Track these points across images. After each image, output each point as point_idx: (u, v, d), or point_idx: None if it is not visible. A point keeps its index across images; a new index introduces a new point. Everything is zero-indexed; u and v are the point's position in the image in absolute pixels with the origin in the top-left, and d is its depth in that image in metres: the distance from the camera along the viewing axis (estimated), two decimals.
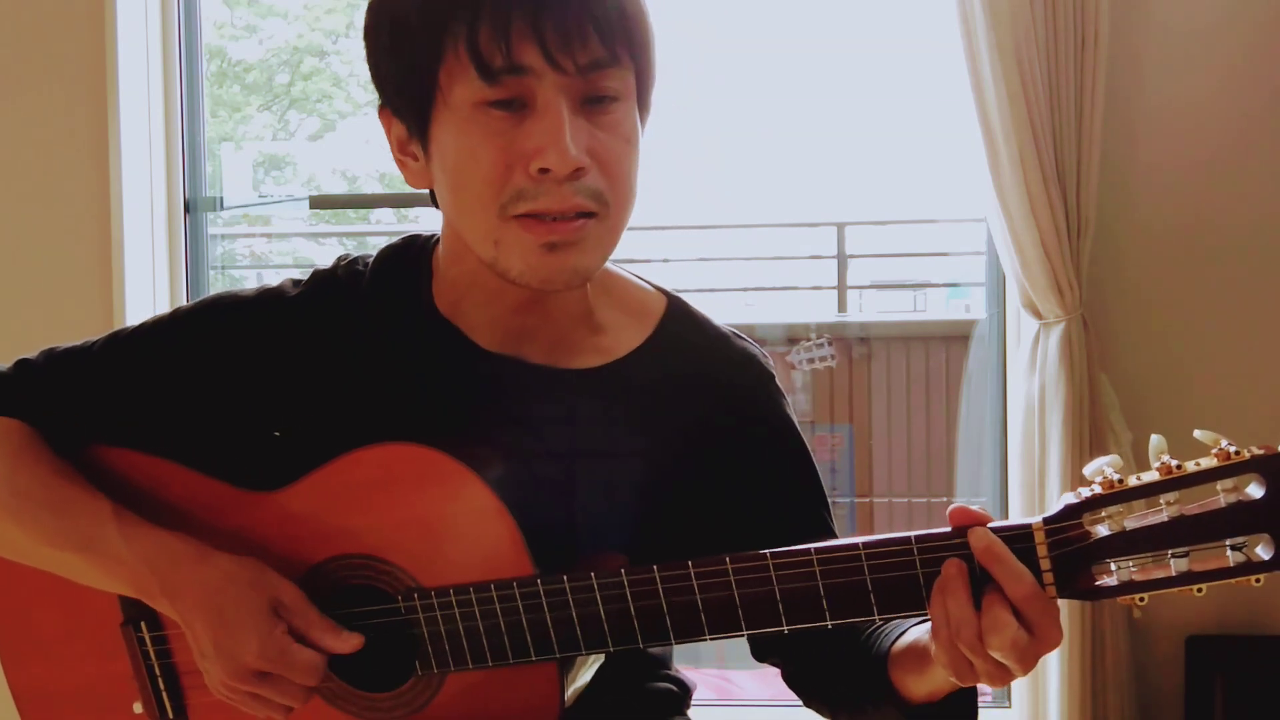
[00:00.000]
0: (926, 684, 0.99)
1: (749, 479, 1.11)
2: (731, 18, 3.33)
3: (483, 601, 0.99)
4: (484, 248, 1.01)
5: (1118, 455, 0.90)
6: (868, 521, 3.27)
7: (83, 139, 2.58)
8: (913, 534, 0.91)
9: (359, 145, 3.95)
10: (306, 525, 1.05)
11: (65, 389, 1.13)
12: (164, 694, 1.12)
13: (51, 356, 1.15)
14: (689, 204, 3.41)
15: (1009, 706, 2.52)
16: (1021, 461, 2.42)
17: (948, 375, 3.23)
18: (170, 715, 1.12)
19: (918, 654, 0.98)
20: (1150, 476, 0.87)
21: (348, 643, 1.02)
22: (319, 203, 3.35)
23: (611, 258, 1.07)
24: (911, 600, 0.92)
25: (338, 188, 3.81)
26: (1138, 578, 0.87)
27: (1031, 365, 2.39)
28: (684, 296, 1.17)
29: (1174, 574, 0.87)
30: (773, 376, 1.16)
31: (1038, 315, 2.38)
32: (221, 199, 2.90)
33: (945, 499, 3.21)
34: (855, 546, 0.92)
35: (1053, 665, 2.35)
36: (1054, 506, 0.90)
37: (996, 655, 0.88)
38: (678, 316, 1.15)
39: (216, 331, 1.12)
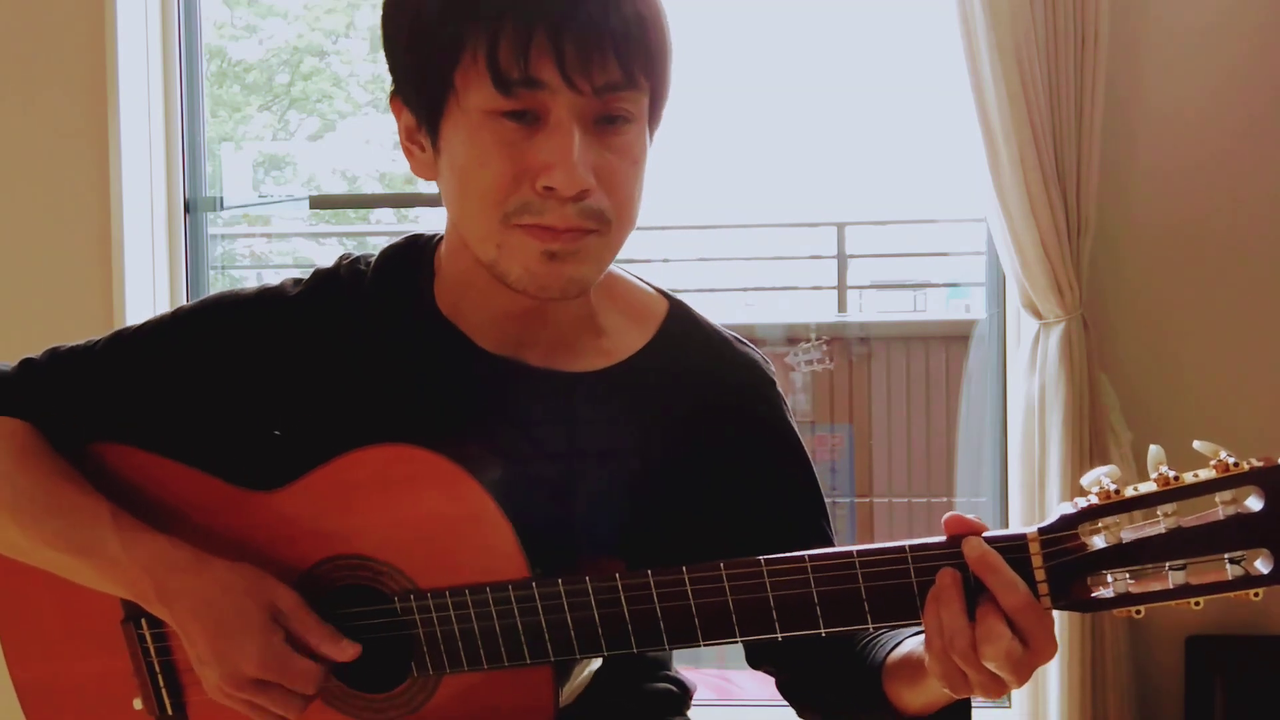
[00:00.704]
0: (921, 696, 0.98)
1: (747, 484, 1.11)
2: (731, 18, 3.33)
3: (478, 604, 0.99)
4: (485, 249, 1.00)
5: (1116, 465, 0.90)
6: (868, 522, 3.27)
7: (83, 139, 2.58)
8: (907, 543, 0.91)
9: (359, 145, 3.95)
10: (304, 525, 1.06)
11: (68, 389, 1.14)
12: (163, 691, 1.12)
13: (55, 356, 1.16)
14: (689, 204, 3.41)
15: (1009, 706, 2.52)
16: (1021, 461, 2.42)
17: (948, 375, 3.22)
18: (170, 712, 1.13)
19: (912, 665, 0.98)
20: (1148, 487, 0.86)
21: (345, 651, 1.02)
22: (319, 203, 3.35)
23: (618, 261, 1.07)
24: (905, 609, 0.92)
25: (338, 188, 3.81)
26: (1134, 590, 0.87)
27: (1031, 365, 2.39)
28: (685, 299, 1.17)
29: (1171, 586, 0.86)
30: (774, 382, 1.16)
31: (1038, 315, 2.38)
32: (221, 199, 2.90)
33: (945, 499, 3.21)
34: (849, 554, 0.92)
35: (1053, 665, 2.35)
36: (1050, 516, 0.89)
37: (990, 666, 0.88)
38: (679, 320, 1.14)
39: (218, 331, 1.13)
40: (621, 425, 1.09)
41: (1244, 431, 2.41)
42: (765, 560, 0.94)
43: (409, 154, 1.05)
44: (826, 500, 1.16)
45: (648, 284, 1.18)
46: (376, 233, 3.89)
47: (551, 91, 0.94)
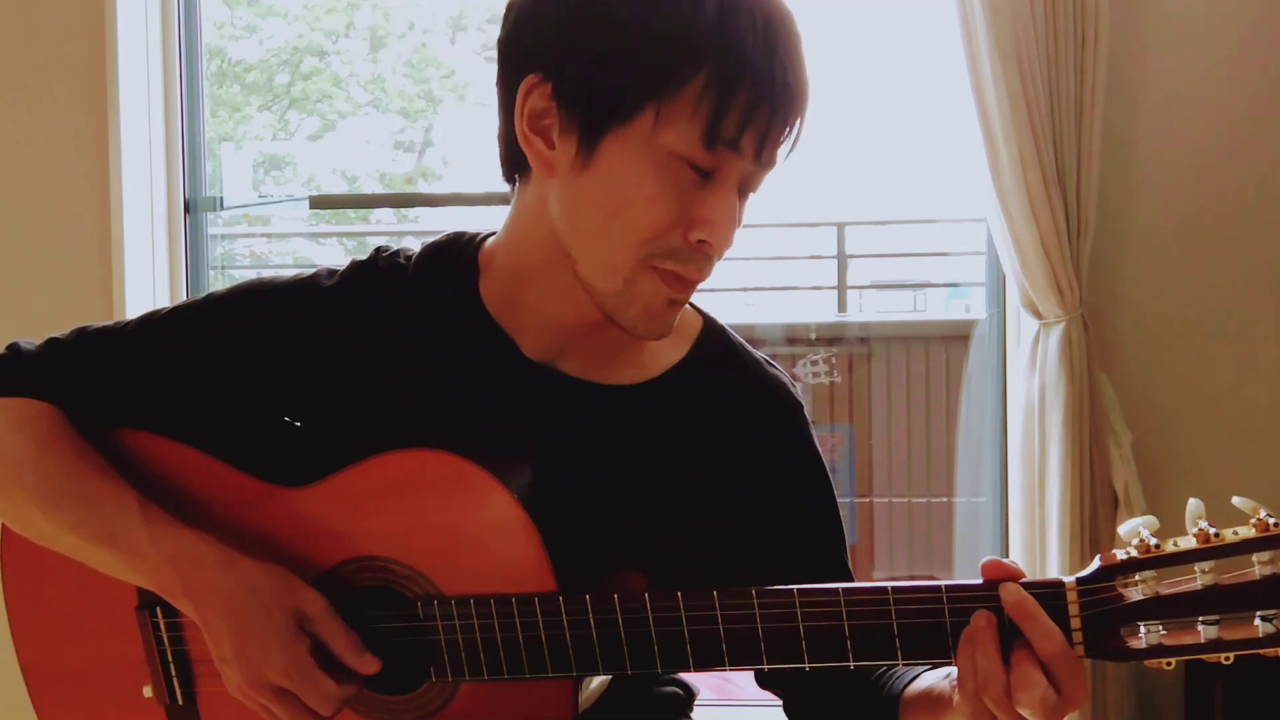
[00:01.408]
0: None
1: (770, 507, 1.11)
2: None
3: (503, 614, 0.99)
4: (607, 280, 1.00)
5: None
6: (868, 521, 3.27)
7: (83, 139, 2.58)
8: (943, 583, 0.91)
9: (359, 145, 3.95)
10: (328, 524, 1.05)
11: (95, 370, 1.12)
12: (175, 680, 1.12)
13: (83, 336, 1.14)
14: None
15: None
16: (1021, 461, 2.41)
17: (948, 375, 3.22)
18: (180, 701, 1.12)
19: (932, 701, 0.98)
20: (1187, 543, 0.86)
21: (367, 665, 1.01)
22: (319, 203, 3.35)
23: None
24: (936, 649, 0.92)
25: (337, 188, 3.81)
26: (1167, 642, 0.87)
27: (1031, 365, 2.39)
28: (716, 315, 1.18)
29: (1203, 641, 0.86)
30: (801, 406, 1.16)
31: (1038, 315, 2.38)
32: (221, 199, 2.90)
33: (945, 499, 3.21)
34: (884, 590, 0.92)
35: None
36: (1089, 566, 0.89)
37: (1024, 712, 0.88)
38: (713, 338, 1.14)
39: (250, 319, 1.11)
40: (650, 441, 1.09)
41: (1244, 431, 2.41)
42: (799, 590, 0.94)
43: (526, 141, 0.98)
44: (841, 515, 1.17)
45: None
46: (376, 233, 3.89)
47: (740, 158, 0.96)
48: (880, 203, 3.52)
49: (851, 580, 1.12)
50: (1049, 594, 0.89)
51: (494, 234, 1.12)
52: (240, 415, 1.14)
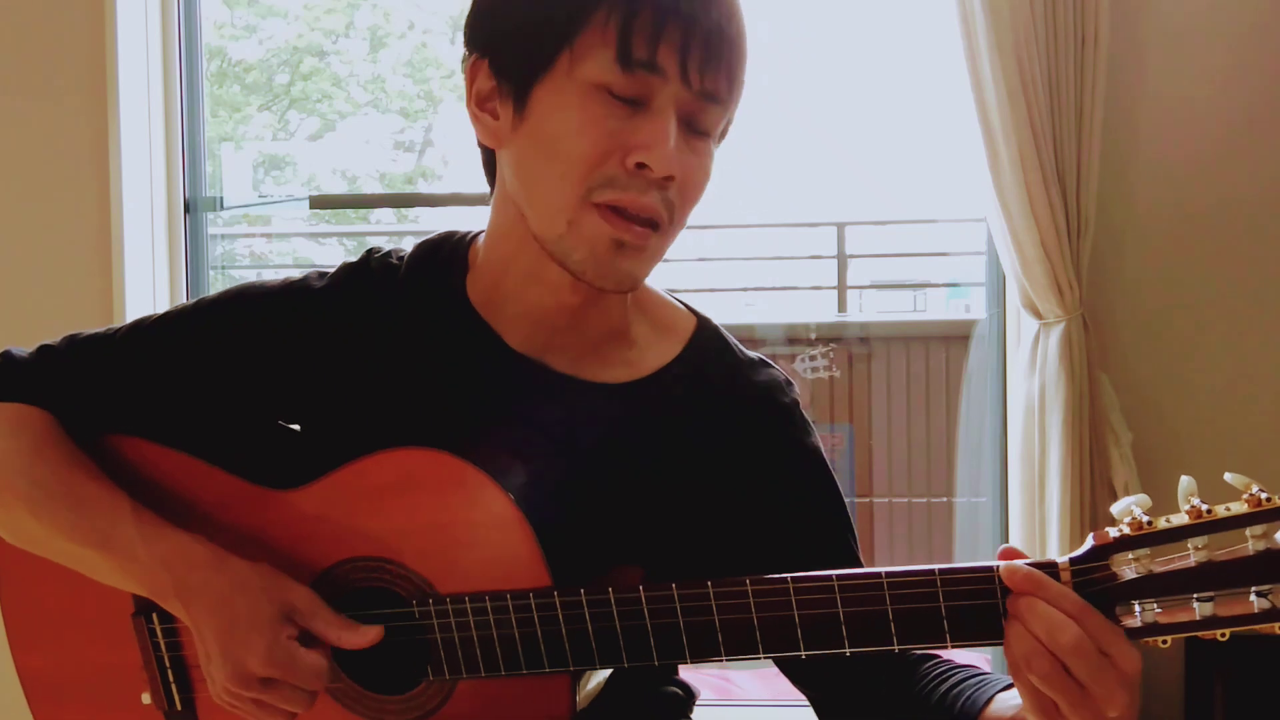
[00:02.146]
0: None
1: (768, 504, 1.11)
2: None
3: (498, 611, 0.99)
4: (553, 224, 1.00)
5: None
6: (868, 521, 3.27)
7: (83, 139, 2.58)
8: (936, 567, 0.91)
9: (359, 145, 3.95)
10: (322, 525, 1.05)
11: (87, 376, 1.12)
12: (173, 686, 1.12)
13: (74, 342, 1.14)
14: None
15: None
16: (1021, 461, 2.41)
17: (948, 375, 3.23)
18: (179, 708, 1.12)
19: None
20: (1179, 520, 0.86)
21: (365, 635, 1.01)
22: (319, 203, 3.35)
23: None
24: (933, 633, 0.91)
25: (338, 188, 3.81)
26: (1162, 620, 0.87)
27: (1031, 365, 2.39)
28: (692, 300, 1.18)
29: (1198, 618, 0.86)
30: (797, 404, 1.15)
31: (1038, 315, 2.38)
32: (221, 199, 2.90)
33: (945, 499, 3.21)
34: (878, 576, 0.92)
35: None
36: (1082, 546, 0.89)
37: (1083, 676, 0.86)
38: (706, 338, 1.14)
39: (241, 322, 1.12)
40: (641, 439, 1.09)
41: (1244, 431, 2.41)
42: (792, 578, 0.93)
43: (477, 121, 1.05)
44: (848, 507, 1.16)
45: (677, 300, 1.18)
46: (376, 233, 3.89)
47: (665, 80, 0.97)
48: (880, 203, 3.52)
49: None
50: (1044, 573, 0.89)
51: (484, 232, 1.13)
52: (233, 418, 1.14)
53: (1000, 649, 0.90)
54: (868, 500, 3.26)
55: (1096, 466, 2.35)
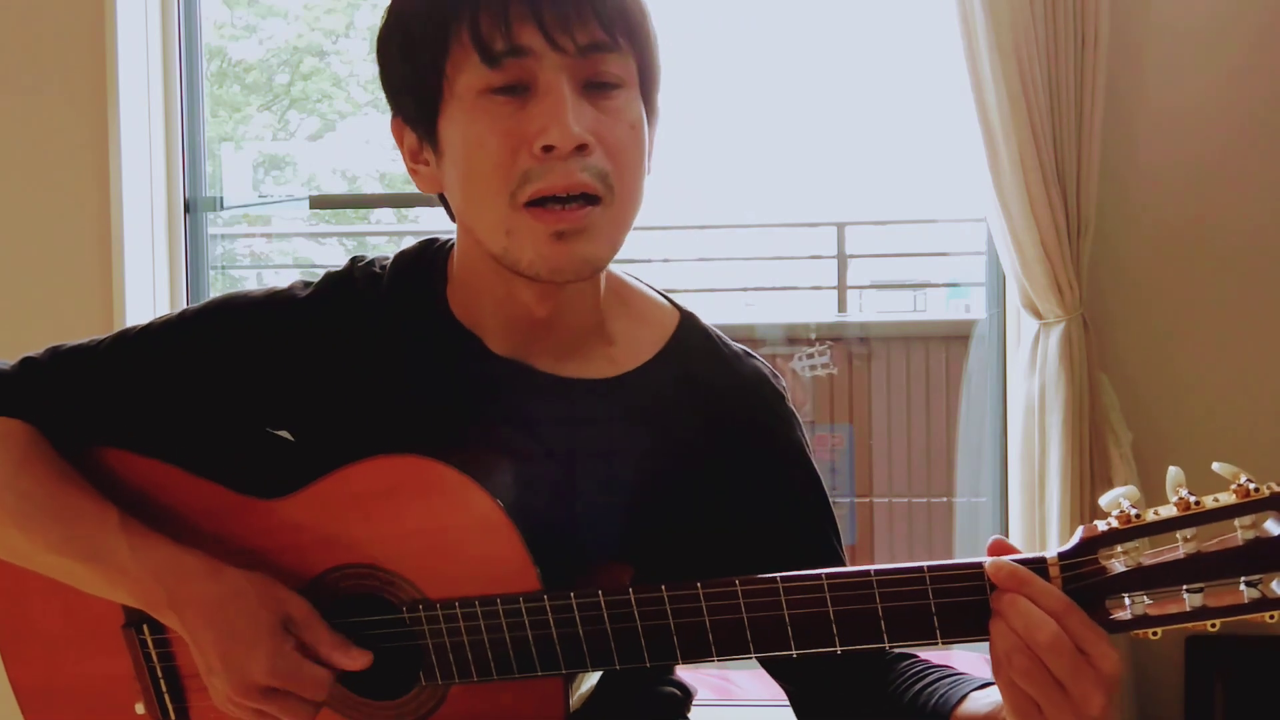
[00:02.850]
0: None
1: (754, 498, 1.11)
2: (731, 17, 3.33)
3: (488, 615, 0.99)
4: (495, 239, 1.00)
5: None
6: (868, 521, 3.27)
7: (83, 139, 2.58)
8: (925, 564, 0.91)
9: (359, 145, 3.95)
10: (311, 533, 1.05)
11: (71, 389, 1.12)
12: (166, 696, 1.12)
13: (57, 355, 1.14)
14: (689, 204, 3.41)
15: None
16: (1021, 461, 2.41)
17: (948, 375, 3.23)
18: (173, 717, 1.12)
19: None
20: (1168, 511, 0.86)
21: (356, 660, 1.01)
22: (319, 203, 3.35)
23: (618, 261, 1.07)
24: (922, 630, 0.91)
25: (338, 188, 3.81)
26: (1152, 612, 0.87)
27: (1031, 365, 2.39)
28: (688, 302, 1.18)
29: (1188, 609, 0.86)
30: (783, 397, 1.15)
31: (1038, 315, 2.38)
32: (221, 199, 2.90)
33: (945, 499, 3.21)
34: (867, 574, 0.92)
35: None
36: (1070, 540, 0.89)
37: (1060, 674, 0.85)
38: (689, 332, 1.14)
39: (225, 333, 1.12)
40: (628, 434, 1.09)
41: (1244, 430, 2.41)
42: (781, 577, 0.93)
43: (415, 174, 1.07)
44: (832, 505, 1.16)
45: (659, 294, 1.18)
46: (376, 233, 3.89)
47: (536, 57, 0.96)
48: (880, 203, 3.52)
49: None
50: (1032, 570, 0.88)
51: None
52: (218, 429, 1.14)
53: None
54: (868, 500, 3.26)
55: (1096, 466, 2.35)
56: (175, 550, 1.04)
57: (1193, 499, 0.85)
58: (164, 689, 1.12)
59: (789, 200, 3.48)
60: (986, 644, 0.90)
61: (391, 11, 1.05)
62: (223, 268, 3.19)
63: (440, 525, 1.01)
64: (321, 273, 1.16)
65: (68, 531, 1.06)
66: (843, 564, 1.10)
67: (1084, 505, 2.33)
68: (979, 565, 0.89)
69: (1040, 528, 2.38)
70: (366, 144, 3.89)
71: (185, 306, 1.17)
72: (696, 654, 0.96)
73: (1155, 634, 0.87)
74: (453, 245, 1.14)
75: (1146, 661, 2.43)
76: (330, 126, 4.06)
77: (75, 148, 2.59)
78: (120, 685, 1.13)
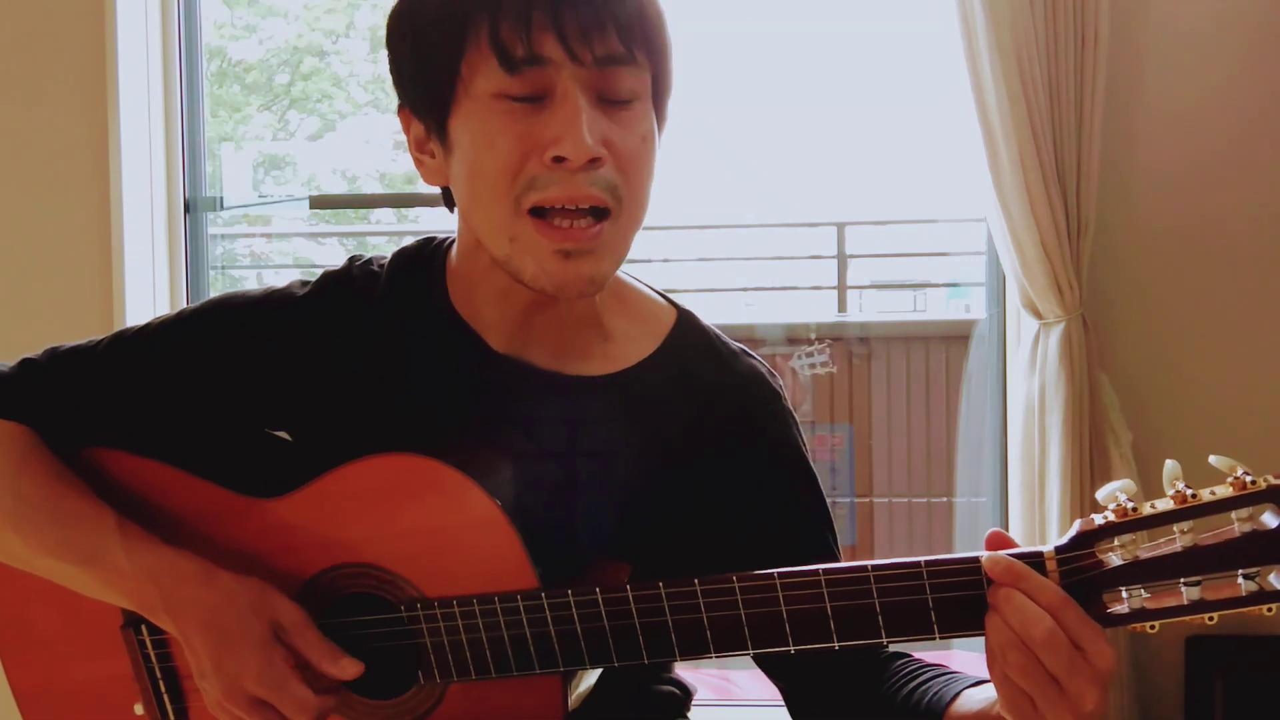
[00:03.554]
0: None
1: (749, 496, 1.11)
2: (731, 17, 3.33)
3: (486, 613, 0.99)
4: (498, 244, 1.00)
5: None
6: (868, 521, 3.27)
7: (83, 139, 2.58)
8: (923, 559, 0.91)
9: (359, 145, 3.95)
10: (307, 533, 1.05)
11: (69, 390, 1.12)
12: (165, 696, 1.12)
13: (55, 356, 1.14)
14: (689, 204, 3.41)
15: None
16: (1021, 461, 2.41)
17: (948, 375, 3.22)
18: (172, 718, 1.12)
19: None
20: (1165, 504, 0.86)
21: (346, 670, 1.01)
22: (319, 203, 3.35)
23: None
24: (920, 625, 0.91)
25: (338, 188, 3.81)
26: (1149, 605, 0.87)
27: (1031, 365, 2.39)
28: (688, 303, 1.18)
29: (1186, 602, 0.86)
30: (779, 395, 1.15)
31: (1038, 315, 2.38)
32: (221, 199, 2.90)
33: (945, 499, 3.21)
34: (864, 569, 0.92)
35: None
36: (1067, 534, 0.89)
37: (1054, 670, 0.85)
38: (687, 329, 1.14)
39: (223, 332, 1.12)
40: (625, 431, 1.09)
41: (1244, 431, 2.41)
42: (779, 573, 0.93)
43: (419, 164, 1.07)
44: (828, 503, 1.16)
45: (657, 292, 1.18)
46: (376, 233, 3.89)
47: (556, 66, 0.96)
48: (880, 203, 3.52)
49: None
50: (1029, 564, 0.89)
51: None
52: (216, 429, 1.14)
53: None
54: (868, 500, 3.26)
55: (1096, 466, 2.35)
56: (170, 553, 1.04)
57: (1189, 492, 0.85)
58: (163, 690, 1.12)
59: (789, 200, 3.48)
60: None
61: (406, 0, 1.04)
62: (223, 268, 3.19)
63: (438, 524, 1.01)
64: (320, 272, 1.17)
65: (64, 534, 1.06)
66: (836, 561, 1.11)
67: (1084, 505, 2.33)
68: (976, 560, 0.90)
69: (1040, 527, 2.38)
70: (366, 144, 3.89)
71: (184, 306, 1.17)
72: (694, 650, 0.96)
73: (1153, 627, 0.87)
74: (452, 242, 1.14)
75: (1146, 661, 2.43)
76: (330, 126, 4.06)
77: (75, 148, 2.59)
78: (119, 686, 1.13)
